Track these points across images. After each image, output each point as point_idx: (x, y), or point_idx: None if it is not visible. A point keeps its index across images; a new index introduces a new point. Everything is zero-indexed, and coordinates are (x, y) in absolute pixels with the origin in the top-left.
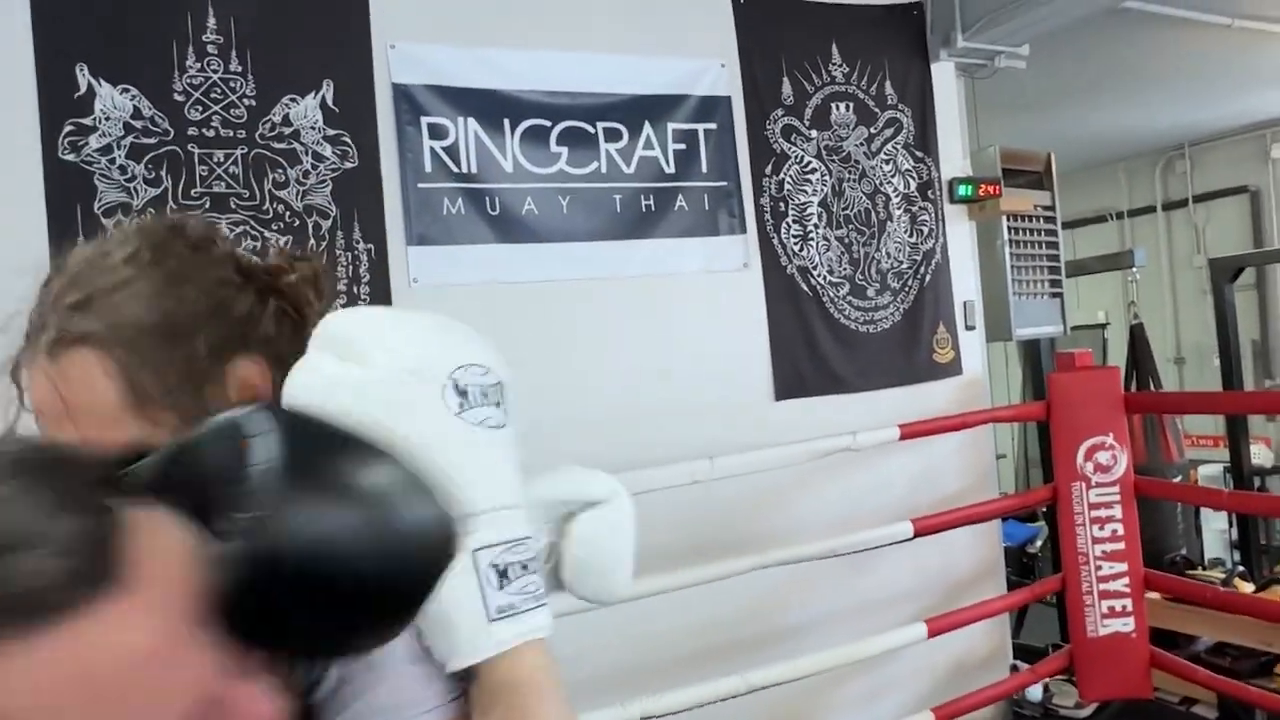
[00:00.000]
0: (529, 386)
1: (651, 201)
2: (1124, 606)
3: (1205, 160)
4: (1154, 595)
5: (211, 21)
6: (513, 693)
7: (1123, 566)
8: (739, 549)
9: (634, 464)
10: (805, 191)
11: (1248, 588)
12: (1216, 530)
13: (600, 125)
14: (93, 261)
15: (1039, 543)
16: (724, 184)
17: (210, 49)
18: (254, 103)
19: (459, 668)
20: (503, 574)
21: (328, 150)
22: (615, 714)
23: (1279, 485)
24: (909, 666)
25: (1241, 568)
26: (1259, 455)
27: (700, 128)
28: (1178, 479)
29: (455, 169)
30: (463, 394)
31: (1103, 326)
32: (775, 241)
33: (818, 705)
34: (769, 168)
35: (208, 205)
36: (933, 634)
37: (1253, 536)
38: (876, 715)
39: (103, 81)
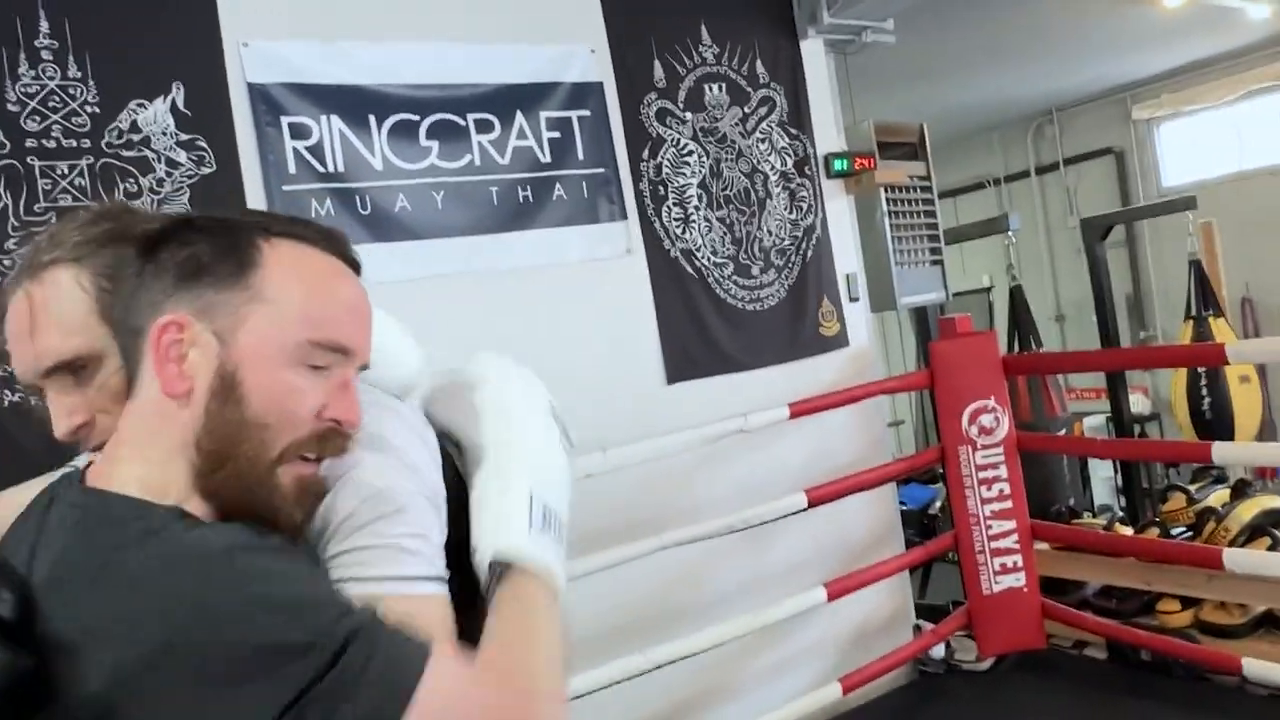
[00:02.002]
0: None
1: (529, 192)
2: (1015, 563)
3: (1073, 124)
4: (1043, 545)
5: (44, 25)
6: (525, 599)
7: (1011, 524)
8: (638, 534)
9: None
10: (684, 174)
11: (1127, 532)
12: (1103, 479)
13: (471, 117)
14: (59, 228)
15: (938, 504)
16: (601, 170)
17: (45, 54)
18: (97, 110)
19: (501, 558)
20: (545, 517)
21: (182, 156)
22: None
23: (1157, 432)
24: (814, 636)
25: (1123, 513)
26: (1138, 404)
27: (574, 115)
28: (1062, 432)
29: (321, 169)
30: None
31: (987, 290)
32: (657, 225)
33: (726, 682)
34: (646, 152)
35: (53, 220)
36: (832, 597)
37: (1136, 482)
38: (785, 688)
39: None
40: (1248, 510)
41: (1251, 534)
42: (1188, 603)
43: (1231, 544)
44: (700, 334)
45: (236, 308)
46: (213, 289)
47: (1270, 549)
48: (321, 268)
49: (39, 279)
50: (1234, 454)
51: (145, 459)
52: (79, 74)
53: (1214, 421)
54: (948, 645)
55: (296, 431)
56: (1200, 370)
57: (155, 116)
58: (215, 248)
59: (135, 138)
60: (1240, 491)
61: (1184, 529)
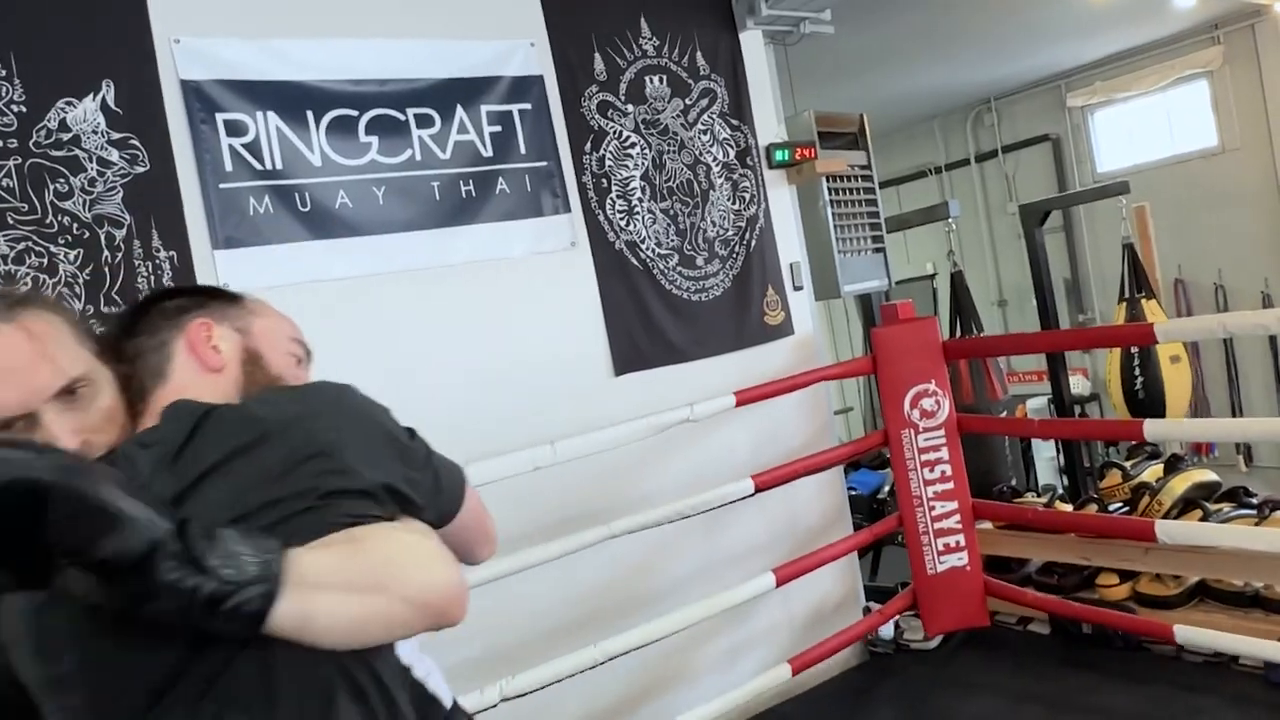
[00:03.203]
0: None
1: (471, 186)
2: (957, 542)
3: (1010, 112)
4: (987, 525)
5: None
6: None
7: (953, 505)
8: (588, 527)
9: (474, 456)
10: (626, 166)
11: (1067, 509)
12: (1046, 459)
13: (411, 112)
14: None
15: (887, 488)
16: (544, 164)
17: None
18: (24, 109)
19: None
20: None
21: (114, 155)
22: (473, 700)
23: (1097, 412)
24: (767, 623)
25: (1062, 492)
26: (1077, 385)
27: (515, 108)
28: (1004, 414)
29: (259, 166)
30: None
31: (931, 277)
32: (601, 218)
33: (681, 670)
34: (588, 145)
35: None
36: (781, 582)
37: (1077, 461)
38: (738, 674)
39: None
40: (1180, 484)
41: (1184, 507)
42: (1126, 576)
43: (1165, 517)
44: (646, 325)
45: (242, 316)
46: (223, 306)
47: (1201, 520)
48: (274, 309)
49: (23, 314)
50: (1164, 431)
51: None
52: (3, 72)
53: (1146, 401)
54: (896, 625)
55: None
56: (1133, 352)
57: (85, 115)
58: (207, 294)
59: (65, 137)
60: (1173, 466)
61: (1120, 504)
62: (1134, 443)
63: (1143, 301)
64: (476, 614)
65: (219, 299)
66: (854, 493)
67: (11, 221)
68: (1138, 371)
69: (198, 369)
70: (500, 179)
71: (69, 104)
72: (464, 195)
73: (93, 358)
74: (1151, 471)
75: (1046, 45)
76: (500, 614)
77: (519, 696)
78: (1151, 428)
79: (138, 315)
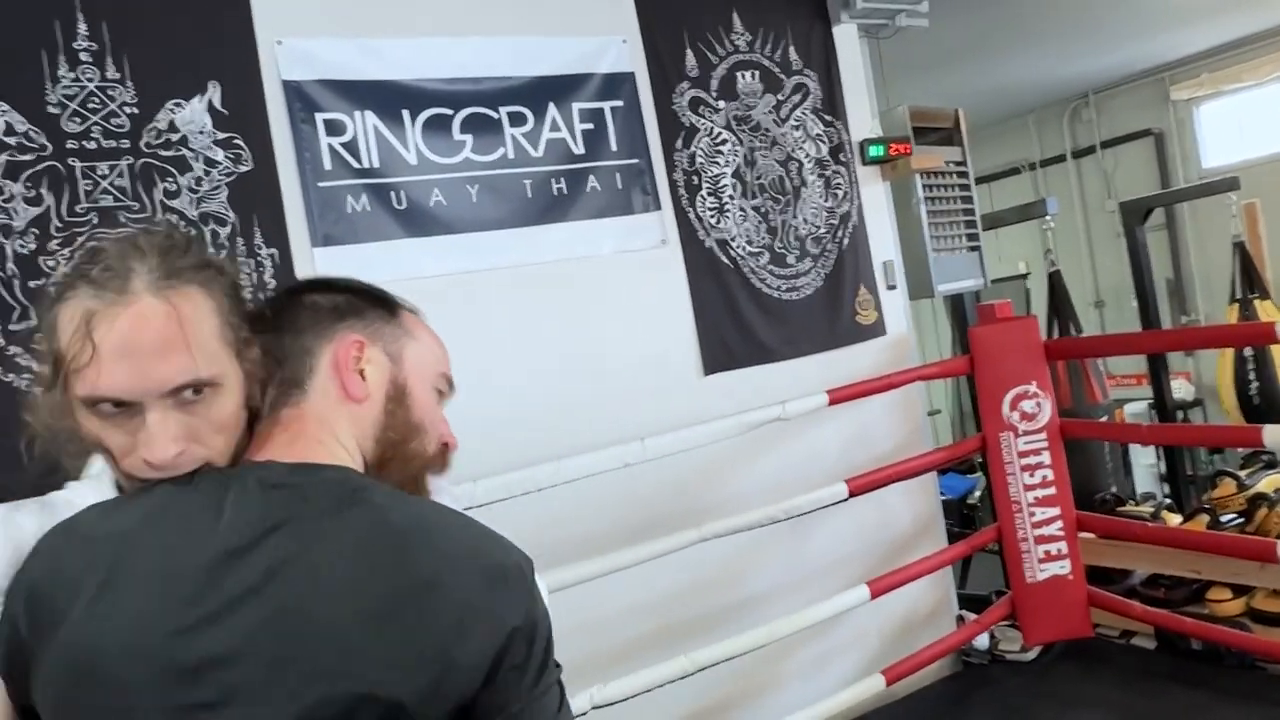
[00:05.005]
0: None
1: (563, 184)
2: (1059, 550)
3: (1110, 106)
4: (1088, 535)
5: (82, 28)
6: None
7: (1055, 511)
8: (676, 527)
9: (564, 452)
10: (718, 163)
11: (1175, 519)
12: (1145, 465)
13: (504, 110)
14: (155, 244)
15: (978, 493)
16: (635, 161)
17: (83, 56)
18: (136, 110)
19: None
20: None
21: (220, 154)
22: None
23: (1200, 418)
24: (856, 629)
25: (1169, 500)
26: (1180, 390)
27: (606, 106)
28: (1104, 419)
29: (356, 165)
30: None
31: (1024, 276)
32: (691, 215)
33: (768, 678)
34: (679, 142)
35: (95, 220)
36: (875, 595)
37: (1180, 469)
38: (827, 682)
39: None
40: None
41: None
42: (1239, 590)
43: None
44: (737, 324)
45: (398, 337)
46: (380, 321)
47: None
48: (427, 325)
49: (178, 289)
50: None
51: (343, 446)
52: (117, 75)
53: (1262, 406)
54: (991, 635)
55: (436, 442)
56: (1247, 354)
57: (192, 115)
58: (364, 298)
59: (173, 137)
60: None
61: (1234, 515)
62: (1248, 451)
63: (1255, 302)
64: (570, 613)
65: (377, 307)
66: (942, 497)
67: (123, 220)
68: (1252, 375)
69: (337, 394)
70: (591, 176)
71: (178, 105)
72: (555, 193)
73: (230, 355)
74: (1269, 481)
75: (1149, 35)
76: (589, 617)
77: (609, 705)
78: (1272, 435)
79: (285, 306)
